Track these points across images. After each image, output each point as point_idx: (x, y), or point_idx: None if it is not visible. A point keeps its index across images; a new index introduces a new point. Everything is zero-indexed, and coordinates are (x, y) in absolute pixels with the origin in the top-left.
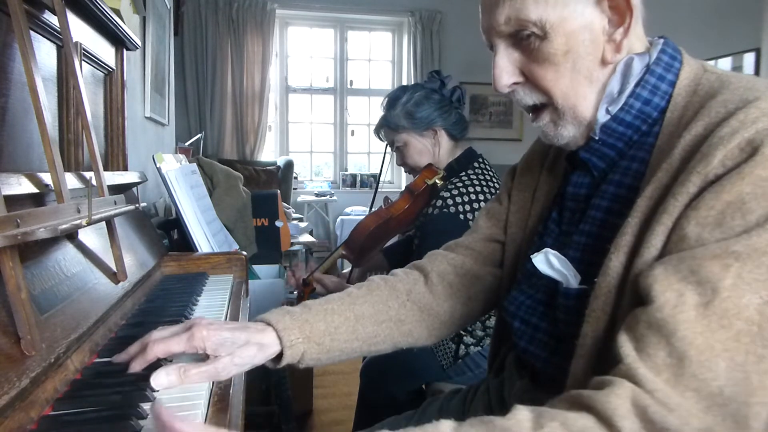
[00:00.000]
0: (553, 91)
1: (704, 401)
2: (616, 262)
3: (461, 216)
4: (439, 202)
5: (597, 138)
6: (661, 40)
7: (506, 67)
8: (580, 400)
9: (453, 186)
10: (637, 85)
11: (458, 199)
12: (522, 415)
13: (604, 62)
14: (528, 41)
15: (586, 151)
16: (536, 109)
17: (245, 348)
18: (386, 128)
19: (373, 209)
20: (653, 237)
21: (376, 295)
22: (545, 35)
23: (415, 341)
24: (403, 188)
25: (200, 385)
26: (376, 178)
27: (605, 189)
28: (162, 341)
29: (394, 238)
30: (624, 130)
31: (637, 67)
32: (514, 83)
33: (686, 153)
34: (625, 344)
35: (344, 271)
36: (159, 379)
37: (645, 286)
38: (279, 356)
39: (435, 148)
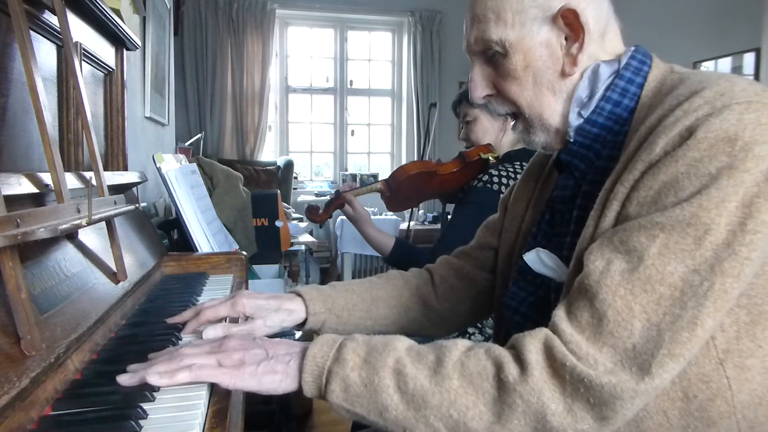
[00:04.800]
0: (519, 102)
1: (618, 356)
2: (580, 252)
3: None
4: (486, 177)
5: (572, 140)
6: (632, 48)
7: (480, 82)
8: (510, 341)
9: (503, 168)
10: (607, 89)
11: (504, 181)
12: (462, 341)
13: (564, 74)
14: (495, 58)
15: (566, 153)
16: (513, 116)
17: (277, 313)
18: (465, 102)
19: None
20: (604, 221)
21: (392, 284)
22: (506, 53)
23: (420, 329)
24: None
25: (200, 384)
26: (425, 135)
27: (585, 189)
28: (212, 308)
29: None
30: (598, 132)
31: (605, 73)
32: (487, 95)
33: (639, 143)
34: (560, 307)
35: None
36: (209, 334)
37: (585, 258)
38: (303, 322)
39: (500, 134)
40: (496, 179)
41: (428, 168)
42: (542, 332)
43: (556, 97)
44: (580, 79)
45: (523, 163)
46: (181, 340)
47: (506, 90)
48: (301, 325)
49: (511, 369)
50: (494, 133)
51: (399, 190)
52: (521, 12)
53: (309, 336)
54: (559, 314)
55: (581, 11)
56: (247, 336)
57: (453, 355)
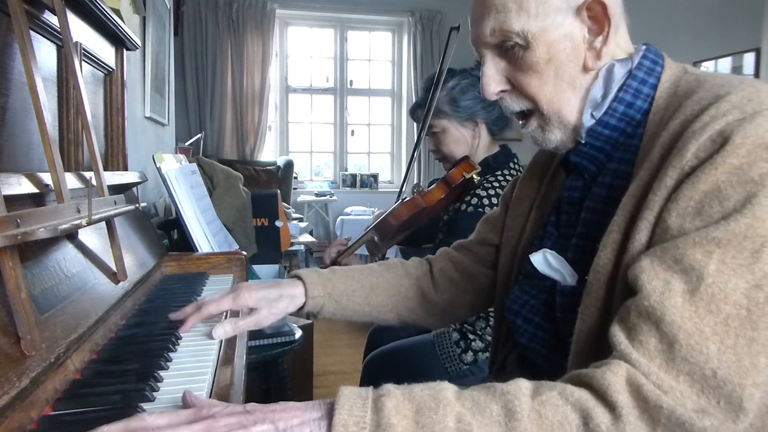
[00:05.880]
0: (538, 97)
1: (698, 384)
2: (604, 259)
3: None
4: (474, 200)
5: (584, 142)
6: (644, 47)
7: (494, 76)
8: (579, 377)
9: (489, 185)
10: (620, 89)
11: (494, 200)
12: (522, 383)
13: (585, 69)
14: (513, 51)
15: (576, 154)
16: (524, 115)
17: (279, 301)
18: (428, 111)
19: (402, 194)
20: (638, 232)
21: (392, 272)
22: (528, 45)
23: (418, 319)
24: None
25: (201, 384)
26: (410, 159)
27: (595, 191)
28: (214, 302)
29: None
30: (610, 133)
31: (619, 73)
32: (502, 91)
33: (664, 150)
34: (618, 334)
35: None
36: (218, 332)
37: (633, 277)
38: (303, 306)
39: (474, 141)
40: (486, 200)
41: (417, 207)
42: (622, 367)
43: (575, 92)
44: (595, 78)
45: (504, 172)
46: (180, 339)
47: (525, 84)
48: (300, 309)
49: (601, 416)
50: (466, 141)
51: (392, 237)
52: (545, 2)
53: (309, 345)
54: (621, 341)
55: (609, 3)
56: (235, 406)
57: (524, 404)
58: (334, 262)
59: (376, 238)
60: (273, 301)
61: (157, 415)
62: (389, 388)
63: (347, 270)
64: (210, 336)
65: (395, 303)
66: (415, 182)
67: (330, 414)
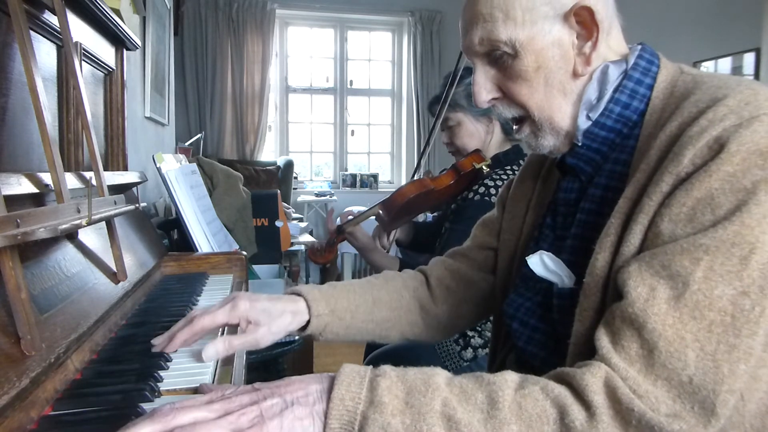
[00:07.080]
0: (528, 105)
1: (675, 389)
2: (602, 261)
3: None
4: (482, 189)
5: (580, 144)
6: (639, 47)
7: (484, 84)
8: (561, 375)
9: (498, 177)
10: (615, 90)
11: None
12: (510, 375)
13: (575, 74)
14: (502, 60)
15: (573, 156)
16: (518, 121)
17: (281, 317)
18: (445, 104)
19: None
20: (631, 235)
21: (392, 284)
22: (516, 54)
23: (419, 333)
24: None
25: (201, 382)
26: (424, 146)
27: (592, 192)
28: (208, 314)
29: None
30: (606, 134)
31: (614, 74)
32: (493, 98)
33: (661, 153)
34: (602, 337)
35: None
36: (209, 352)
37: (621, 281)
38: (304, 327)
39: (487, 137)
40: (493, 190)
41: (425, 187)
42: (601, 369)
43: (566, 98)
44: (589, 80)
45: (514, 167)
46: (170, 361)
47: (515, 92)
48: (302, 329)
49: (577, 413)
50: (480, 136)
51: (397, 214)
52: (531, 10)
53: (309, 345)
54: (605, 345)
55: (596, 9)
56: (244, 386)
57: (507, 395)
58: (340, 228)
59: (381, 212)
60: (274, 316)
61: (178, 404)
62: (386, 369)
63: (346, 284)
64: (199, 357)
65: (398, 317)
66: (426, 169)
67: (330, 388)
